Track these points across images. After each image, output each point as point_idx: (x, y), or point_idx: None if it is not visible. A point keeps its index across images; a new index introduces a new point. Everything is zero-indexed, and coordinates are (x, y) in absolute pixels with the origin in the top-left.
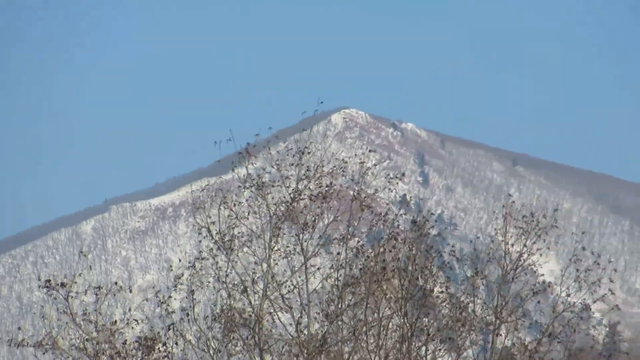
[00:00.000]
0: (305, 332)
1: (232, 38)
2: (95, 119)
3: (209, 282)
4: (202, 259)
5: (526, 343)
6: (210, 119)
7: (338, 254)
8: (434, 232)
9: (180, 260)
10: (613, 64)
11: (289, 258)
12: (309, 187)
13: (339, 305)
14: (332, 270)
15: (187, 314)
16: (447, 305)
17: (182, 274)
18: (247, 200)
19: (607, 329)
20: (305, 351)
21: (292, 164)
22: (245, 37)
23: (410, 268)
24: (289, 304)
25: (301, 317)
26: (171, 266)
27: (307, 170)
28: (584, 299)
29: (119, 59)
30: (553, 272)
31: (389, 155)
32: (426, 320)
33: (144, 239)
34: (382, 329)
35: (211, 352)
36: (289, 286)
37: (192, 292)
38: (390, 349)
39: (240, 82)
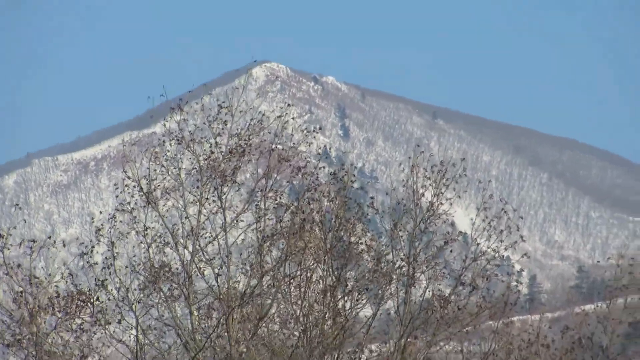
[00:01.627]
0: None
1: None
2: (16, 71)
3: (128, 233)
4: (123, 210)
5: (445, 294)
6: (129, 73)
7: (257, 205)
8: (355, 185)
9: (101, 213)
10: (531, 15)
11: (217, 212)
12: (233, 142)
13: (260, 258)
14: (254, 223)
15: (109, 266)
16: (367, 257)
17: (103, 226)
18: (168, 153)
19: (527, 280)
20: (226, 304)
21: (214, 118)
22: None
23: (332, 220)
24: (210, 257)
25: (221, 269)
26: (92, 219)
27: (225, 124)
28: (497, 246)
29: (42, 10)
30: (472, 224)
31: (310, 109)
32: (346, 271)
33: (67, 193)
34: (304, 281)
35: (130, 302)
36: (209, 237)
37: (113, 243)
38: (314, 301)
39: (166, 36)
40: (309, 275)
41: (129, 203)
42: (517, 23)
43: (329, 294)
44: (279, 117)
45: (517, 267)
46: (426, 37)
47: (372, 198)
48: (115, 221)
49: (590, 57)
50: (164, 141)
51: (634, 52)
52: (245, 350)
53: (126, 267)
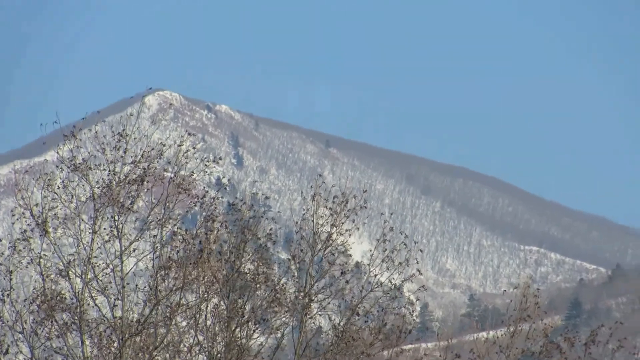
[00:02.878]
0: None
1: (53, 18)
2: None
3: (23, 263)
4: (24, 239)
5: (336, 324)
6: (19, 100)
7: (154, 236)
8: (250, 214)
9: (0, 240)
10: (420, 43)
11: (111, 241)
12: (129, 170)
13: (155, 287)
14: (150, 252)
15: (7, 295)
16: (262, 287)
17: (1, 254)
18: (63, 182)
19: (419, 309)
20: (121, 334)
21: (111, 147)
22: (66, 18)
23: (227, 250)
24: (104, 287)
25: (117, 299)
26: None
27: (125, 152)
28: (394, 278)
29: None
30: (366, 254)
31: (204, 137)
32: (242, 301)
33: None
34: (200, 310)
35: (26, 333)
36: (104, 267)
37: (11, 272)
38: (219, 331)
39: (58, 62)
40: (206, 304)
41: (24, 231)
42: (408, 52)
43: (227, 323)
44: (180, 145)
45: (412, 297)
46: (319, 66)
47: (271, 229)
48: (15, 250)
49: (475, 88)
50: (58, 167)
51: (521, 77)
52: None
53: (24, 299)
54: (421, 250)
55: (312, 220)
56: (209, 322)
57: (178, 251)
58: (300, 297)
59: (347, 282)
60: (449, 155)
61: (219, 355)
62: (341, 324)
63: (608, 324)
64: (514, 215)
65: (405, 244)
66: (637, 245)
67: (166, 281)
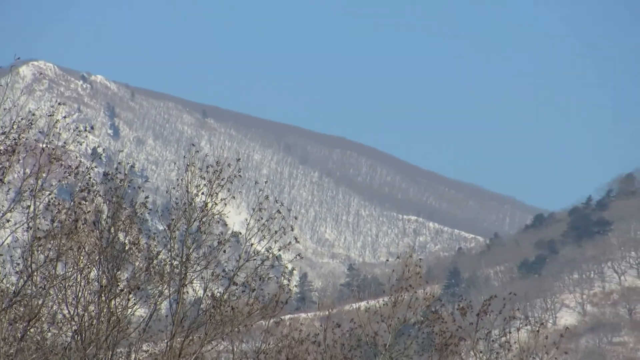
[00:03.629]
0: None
1: None
2: None
3: None
4: None
5: (216, 293)
6: None
7: (28, 207)
8: (126, 184)
9: None
10: (297, 16)
11: None
12: None
13: (30, 258)
14: (24, 224)
15: None
16: (139, 257)
17: None
18: None
19: (297, 278)
20: None
21: None
22: None
23: (105, 221)
24: None
25: None
26: None
27: None
28: (271, 247)
29: None
30: (244, 223)
31: (79, 108)
32: (120, 272)
33: None
34: (76, 282)
35: None
36: None
37: None
38: (90, 302)
39: None
40: (83, 275)
41: None
42: (283, 20)
43: (103, 294)
44: (50, 116)
45: (289, 266)
46: (195, 36)
47: (146, 197)
48: None
49: (356, 58)
50: None
51: (398, 51)
52: (13, 351)
53: None
54: (296, 218)
55: (188, 190)
56: (80, 293)
57: (52, 222)
58: (176, 267)
59: (224, 251)
60: (327, 125)
61: (91, 327)
62: (218, 294)
63: (487, 292)
64: (392, 185)
65: (280, 212)
66: (515, 214)
67: (38, 252)
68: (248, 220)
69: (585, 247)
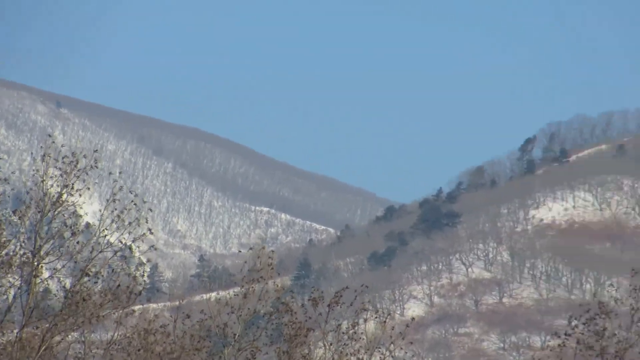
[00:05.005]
0: None
1: None
2: None
3: None
4: None
5: (67, 284)
6: None
7: None
8: None
9: None
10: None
11: None
12: None
13: None
14: None
15: None
16: None
17: None
18: None
19: (148, 269)
20: None
21: None
22: None
23: None
24: None
25: None
26: None
27: None
28: (124, 239)
29: None
30: (96, 214)
31: None
32: None
33: None
34: None
35: None
36: None
37: None
38: None
39: None
40: None
41: None
42: (137, 15)
43: None
44: None
45: (143, 258)
46: (50, 24)
47: None
48: None
49: (206, 46)
50: None
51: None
52: None
53: None
54: (151, 210)
55: (42, 181)
56: None
57: None
58: (28, 258)
59: (77, 242)
60: (181, 116)
61: None
62: (71, 285)
63: (336, 283)
64: (246, 176)
65: (135, 204)
66: (366, 206)
67: None
68: (102, 212)
69: (434, 239)
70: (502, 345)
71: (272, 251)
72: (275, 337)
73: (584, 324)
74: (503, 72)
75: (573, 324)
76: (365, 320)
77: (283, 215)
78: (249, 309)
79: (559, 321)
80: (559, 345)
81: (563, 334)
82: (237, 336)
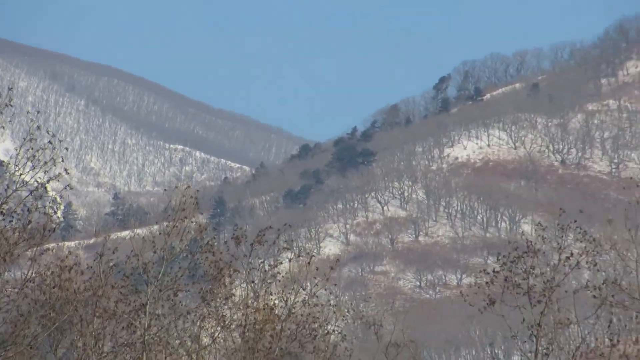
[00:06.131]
0: None
1: None
2: None
3: None
4: None
5: None
6: None
7: None
8: None
9: None
10: None
11: None
12: None
13: None
14: None
15: None
16: None
17: None
18: None
19: (63, 208)
20: None
21: None
22: None
23: None
24: None
25: None
26: None
27: None
28: (39, 178)
29: None
30: (9, 152)
31: None
32: None
33: None
34: None
35: None
36: None
37: None
38: None
39: None
40: None
41: None
42: None
43: None
44: None
45: (57, 197)
46: None
47: None
48: None
49: None
50: None
51: None
52: None
53: None
54: (67, 149)
55: None
56: None
57: None
58: None
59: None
60: (95, 53)
61: None
62: None
63: (252, 222)
64: (159, 113)
65: (51, 143)
66: (281, 144)
67: None
68: (18, 150)
69: (349, 178)
70: (418, 283)
71: (197, 190)
72: (197, 276)
73: (512, 262)
74: (418, 11)
75: (500, 261)
76: (290, 260)
77: (197, 153)
78: (173, 247)
79: (474, 259)
80: (486, 282)
81: (492, 271)
82: (160, 275)
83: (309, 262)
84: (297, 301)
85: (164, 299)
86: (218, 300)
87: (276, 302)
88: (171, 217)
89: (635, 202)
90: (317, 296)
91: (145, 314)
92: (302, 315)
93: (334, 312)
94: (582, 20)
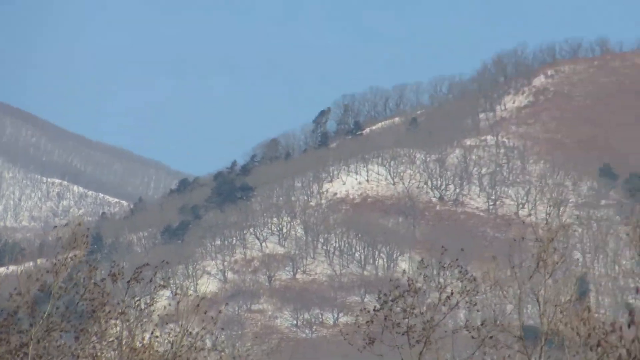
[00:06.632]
0: None
1: None
2: None
3: None
4: None
5: None
6: None
7: None
8: None
9: None
10: None
11: None
12: None
13: None
14: None
15: None
16: None
17: None
18: None
19: None
20: None
21: None
22: None
23: None
24: None
25: None
26: None
27: None
28: None
29: None
30: None
31: None
32: None
33: None
34: None
35: None
36: None
37: None
38: None
39: None
40: None
41: None
42: None
43: None
44: None
45: None
46: None
47: None
48: None
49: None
50: None
51: None
52: None
53: None
54: None
55: None
56: None
57: None
58: None
59: None
60: None
61: None
62: None
63: (129, 258)
64: (37, 146)
65: None
66: (159, 179)
67: None
68: None
69: (228, 213)
70: (295, 322)
71: (88, 229)
72: (72, 311)
73: (392, 300)
74: (298, 44)
75: (381, 299)
76: (151, 299)
77: (75, 187)
78: (60, 286)
79: (352, 297)
80: (367, 322)
81: (372, 309)
82: (45, 314)
83: (178, 302)
84: (184, 344)
85: (47, 339)
86: (92, 339)
87: (156, 342)
88: (59, 254)
89: (513, 240)
90: (202, 339)
91: (27, 355)
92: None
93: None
94: (461, 54)
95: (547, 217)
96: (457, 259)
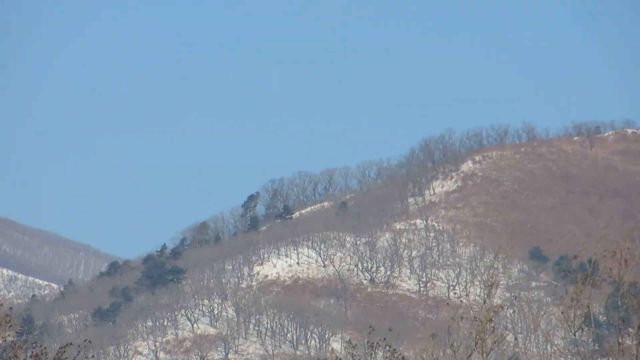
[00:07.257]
0: None
1: None
2: None
3: None
4: None
5: None
6: None
7: None
8: None
9: None
10: None
11: None
12: None
13: None
14: None
15: None
16: None
17: None
18: None
19: None
20: None
21: None
22: None
23: None
24: None
25: None
26: None
27: None
28: None
29: None
30: None
31: None
32: None
33: None
34: None
35: None
36: None
37: None
38: None
39: None
40: None
41: None
42: None
43: None
44: None
45: None
46: None
47: None
48: None
49: None
50: None
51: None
52: None
53: None
54: None
55: None
56: None
57: None
58: None
59: None
60: None
61: None
62: None
63: (60, 340)
64: None
65: None
66: (89, 261)
67: None
68: None
69: (159, 295)
70: None
71: (11, 308)
72: None
73: None
74: (224, 129)
75: None
76: None
77: (5, 271)
78: None
79: None
80: None
81: None
82: None
83: None
84: None
85: None
86: None
87: None
88: None
89: (451, 319)
90: None
91: None
92: None
93: None
94: (388, 139)
95: (483, 297)
96: (384, 338)
